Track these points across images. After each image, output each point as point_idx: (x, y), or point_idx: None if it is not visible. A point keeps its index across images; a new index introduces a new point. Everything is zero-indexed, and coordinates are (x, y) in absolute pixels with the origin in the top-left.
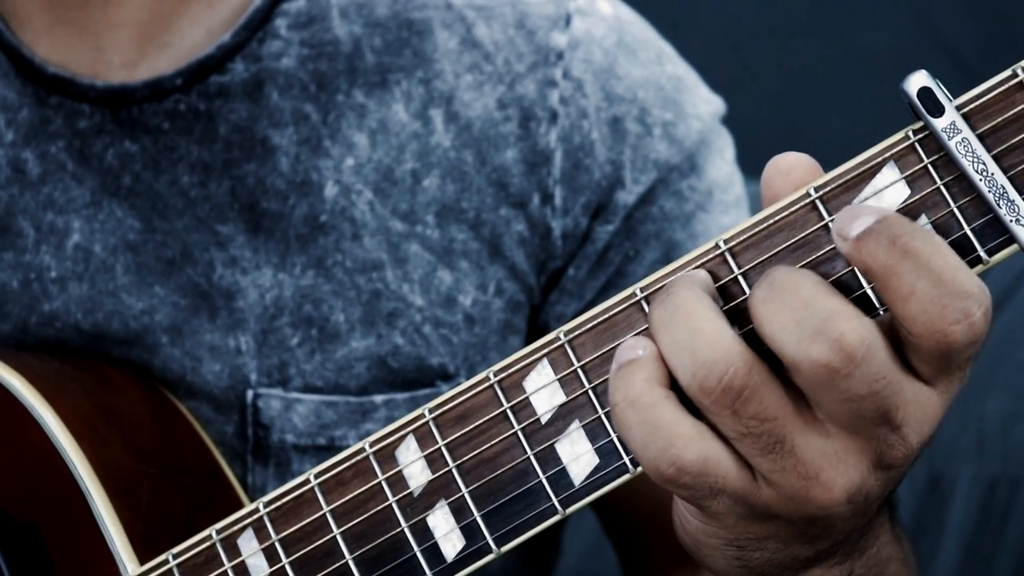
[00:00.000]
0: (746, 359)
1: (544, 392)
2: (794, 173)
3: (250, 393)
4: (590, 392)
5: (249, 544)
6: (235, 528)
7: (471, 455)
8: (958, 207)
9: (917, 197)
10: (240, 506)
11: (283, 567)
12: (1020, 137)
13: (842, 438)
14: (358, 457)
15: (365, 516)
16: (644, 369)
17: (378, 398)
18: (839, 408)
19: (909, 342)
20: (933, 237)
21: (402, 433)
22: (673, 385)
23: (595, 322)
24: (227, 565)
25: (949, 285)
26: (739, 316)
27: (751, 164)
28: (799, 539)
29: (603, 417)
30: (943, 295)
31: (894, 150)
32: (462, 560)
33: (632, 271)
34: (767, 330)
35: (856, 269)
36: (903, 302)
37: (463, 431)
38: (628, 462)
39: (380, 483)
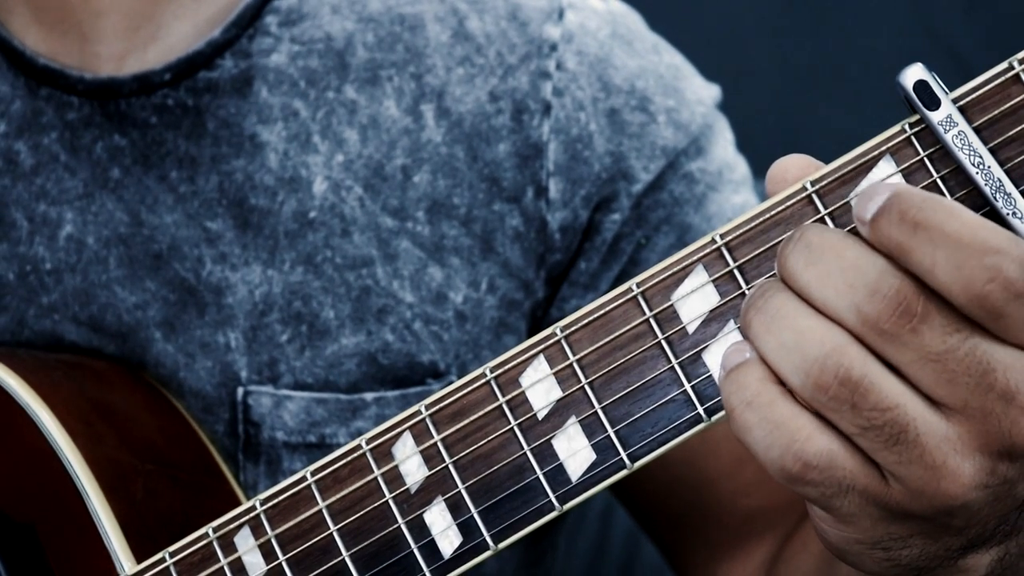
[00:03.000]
0: (859, 349)
1: (540, 387)
2: (790, 173)
3: (240, 390)
4: (587, 388)
5: (246, 541)
6: (231, 526)
7: (468, 451)
8: (955, 200)
9: None
10: (236, 501)
11: (280, 564)
12: (1017, 130)
13: (960, 421)
14: (355, 454)
15: (362, 513)
16: (756, 370)
17: (368, 396)
18: (928, 372)
19: (969, 315)
20: (943, 202)
21: (398, 430)
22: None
23: (591, 318)
24: (223, 562)
25: (969, 247)
26: None
27: (751, 164)
28: (946, 532)
29: (599, 412)
30: (966, 259)
31: (891, 143)
32: (459, 557)
33: (645, 258)
34: (817, 296)
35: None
36: (930, 276)
37: (459, 427)
38: (625, 458)
39: (376, 480)
